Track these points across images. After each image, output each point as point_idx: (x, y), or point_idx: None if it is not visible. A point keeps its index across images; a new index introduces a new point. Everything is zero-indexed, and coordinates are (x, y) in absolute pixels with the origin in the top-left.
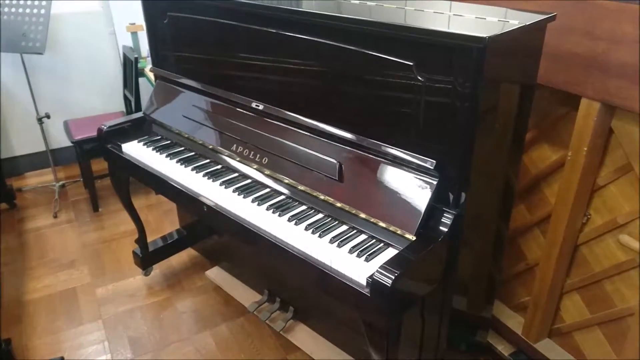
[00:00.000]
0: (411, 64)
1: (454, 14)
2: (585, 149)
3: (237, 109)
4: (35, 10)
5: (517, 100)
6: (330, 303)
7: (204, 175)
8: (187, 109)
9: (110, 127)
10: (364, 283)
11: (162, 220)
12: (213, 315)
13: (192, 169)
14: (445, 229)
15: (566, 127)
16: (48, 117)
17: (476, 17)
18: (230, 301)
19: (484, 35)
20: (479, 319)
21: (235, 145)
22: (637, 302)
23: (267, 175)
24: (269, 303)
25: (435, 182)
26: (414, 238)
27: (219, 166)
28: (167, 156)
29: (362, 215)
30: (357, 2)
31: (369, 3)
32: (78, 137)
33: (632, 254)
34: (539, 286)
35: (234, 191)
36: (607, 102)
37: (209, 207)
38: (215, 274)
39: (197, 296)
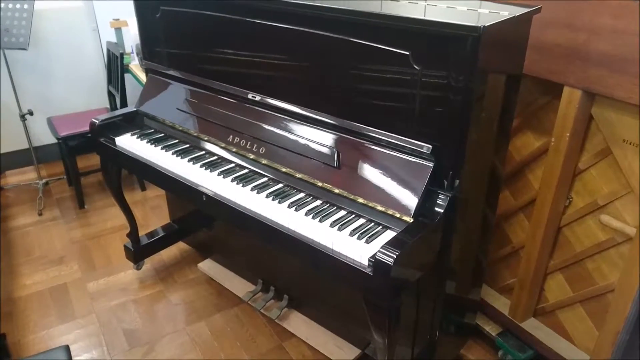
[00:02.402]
0: (407, 53)
1: (447, 7)
2: (568, 134)
3: (233, 101)
4: (18, 5)
5: (506, 89)
6: (324, 290)
7: (201, 166)
8: (180, 102)
9: (102, 121)
10: (366, 263)
11: (150, 217)
12: (207, 306)
13: (189, 160)
14: (441, 210)
15: (548, 115)
16: (31, 113)
17: (468, 9)
18: (223, 292)
19: (479, 25)
20: (468, 301)
21: (231, 136)
22: (617, 279)
23: (265, 165)
24: (263, 292)
25: (431, 166)
26: (412, 220)
27: (215, 157)
28: (162, 148)
29: (360, 200)
30: None
31: None
32: (64, 134)
33: (611, 233)
34: (525, 268)
35: (232, 180)
36: (588, 90)
37: (208, 196)
38: (208, 266)
39: (189, 288)
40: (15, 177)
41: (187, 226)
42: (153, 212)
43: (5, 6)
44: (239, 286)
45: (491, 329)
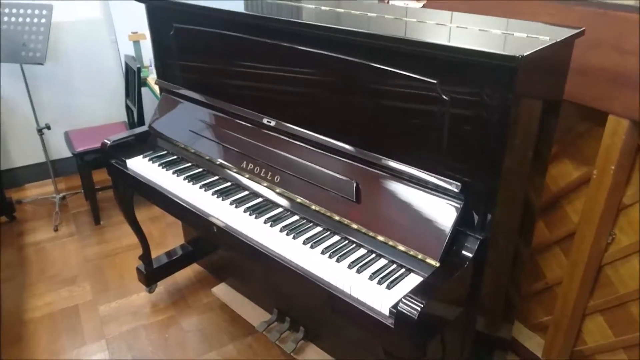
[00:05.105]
0: (435, 82)
1: (479, 29)
2: (613, 167)
3: (247, 124)
4: (35, 20)
5: (544, 118)
6: (342, 323)
7: (213, 194)
8: (193, 123)
9: (114, 141)
10: (387, 313)
11: (166, 234)
12: (220, 334)
13: (201, 187)
14: (471, 255)
15: (588, 143)
16: (48, 127)
17: (503, 33)
18: (237, 319)
19: (517, 55)
20: (497, 339)
21: (245, 162)
22: None
23: (279, 194)
24: (278, 322)
25: (460, 206)
26: (438, 264)
27: (228, 183)
28: (173, 173)
29: (380, 238)
30: (375, 15)
31: (386, 16)
32: (79, 149)
33: None
34: (561, 307)
35: (245, 211)
36: (636, 120)
37: (219, 227)
38: (222, 291)
39: (202, 314)
40: (34, 191)
41: (202, 248)
42: (170, 228)
43: (23, 20)
44: (254, 314)
45: None
